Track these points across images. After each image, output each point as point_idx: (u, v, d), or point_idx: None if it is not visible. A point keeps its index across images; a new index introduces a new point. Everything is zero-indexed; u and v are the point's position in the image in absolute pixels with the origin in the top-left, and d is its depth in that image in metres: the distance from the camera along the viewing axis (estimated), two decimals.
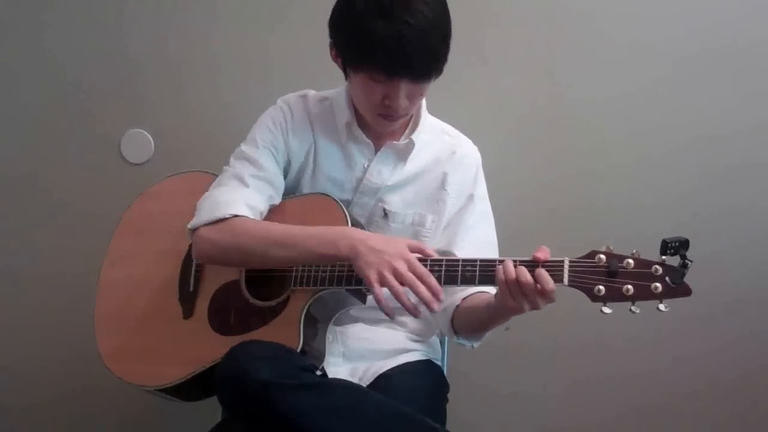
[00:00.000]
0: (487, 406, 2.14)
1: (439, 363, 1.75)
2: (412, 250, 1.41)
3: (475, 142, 1.74)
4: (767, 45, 2.00)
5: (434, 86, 1.49)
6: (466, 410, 2.01)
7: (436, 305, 1.36)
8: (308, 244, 1.45)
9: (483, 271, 1.38)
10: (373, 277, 1.37)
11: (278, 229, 1.51)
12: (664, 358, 2.10)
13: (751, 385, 2.09)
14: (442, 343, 1.81)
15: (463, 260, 1.41)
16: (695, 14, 2.00)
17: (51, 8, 2.12)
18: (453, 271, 1.40)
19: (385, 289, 1.37)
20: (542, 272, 1.31)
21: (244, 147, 1.64)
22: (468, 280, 1.39)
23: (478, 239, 1.65)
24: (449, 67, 1.40)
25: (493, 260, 1.38)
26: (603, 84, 2.04)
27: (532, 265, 1.33)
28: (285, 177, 1.65)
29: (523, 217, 2.03)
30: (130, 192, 1.79)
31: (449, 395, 1.69)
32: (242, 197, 1.54)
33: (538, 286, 1.31)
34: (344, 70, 1.54)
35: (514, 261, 1.35)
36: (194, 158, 1.68)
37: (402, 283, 1.37)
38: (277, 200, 1.61)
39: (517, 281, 1.32)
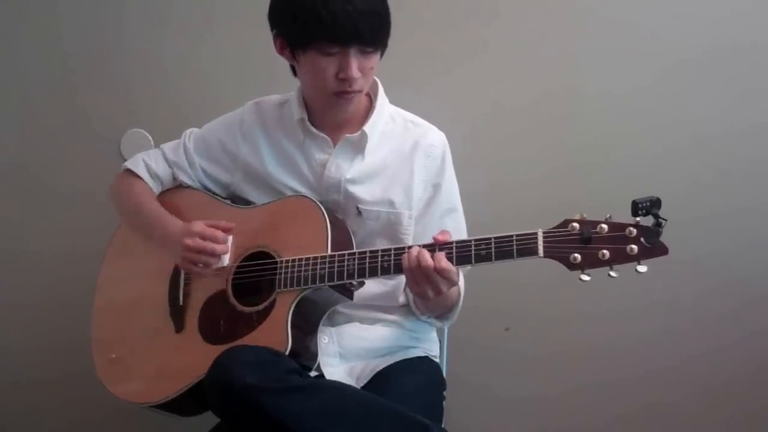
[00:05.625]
0: (486, 406, 2.11)
1: (437, 360, 1.74)
2: None
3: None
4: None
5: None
6: (465, 410, 1.98)
7: (222, 251, 1.57)
8: (147, 222, 1.67)
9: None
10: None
11: (140, 201, 1.71)
12: (664, 360, 2.06)
13: (753, 386, 2.05)
14: (441, 342, 1.80)
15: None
16: (693, 14, 1.98)
17: (51, 9, 2.13)
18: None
19: None
20: (440, 255, 1.38)
21: (196, 134, 1.76)
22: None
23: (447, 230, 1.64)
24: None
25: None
26: (601, 82, 2.02)
27: (433, 248, 1.39)
28: (242, 178, 1.70)
29: (516, 211, 2.01)
30: None
31: (448, 395, 1.67)
32: (156, 170, 1.73)
33: (437, 267, 1.37)
34: (293, 58, 1.55)
35: (420, 247, 1.40)
36: None
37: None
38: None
39: (419, 265, 1.38)
